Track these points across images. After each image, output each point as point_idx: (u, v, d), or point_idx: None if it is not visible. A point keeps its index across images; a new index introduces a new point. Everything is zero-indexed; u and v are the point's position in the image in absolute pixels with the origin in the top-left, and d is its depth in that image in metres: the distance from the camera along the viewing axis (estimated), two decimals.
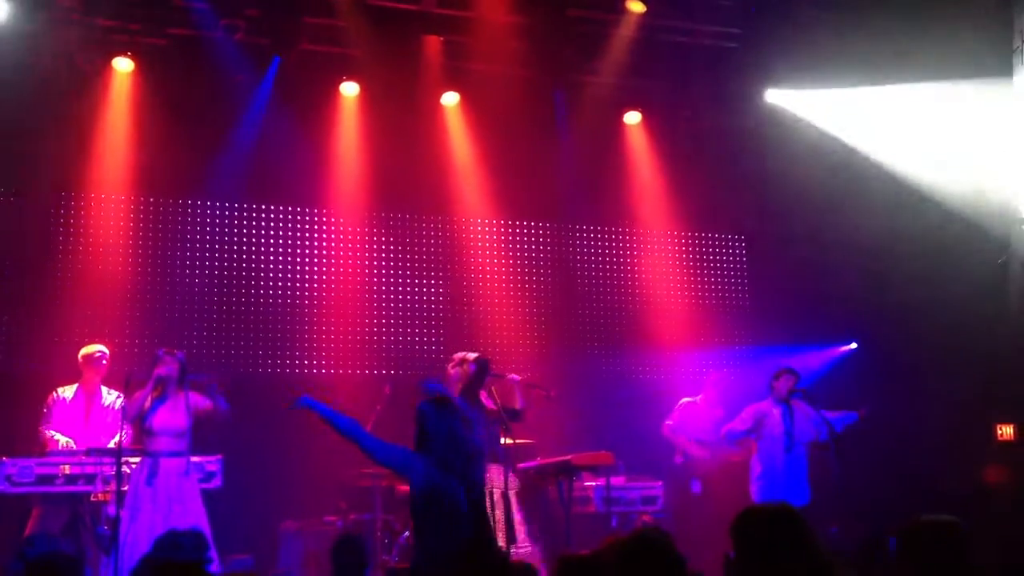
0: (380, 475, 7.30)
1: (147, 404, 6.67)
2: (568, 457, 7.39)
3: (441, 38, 9.16)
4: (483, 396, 6.92)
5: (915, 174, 9.84)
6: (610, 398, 9.57)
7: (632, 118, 10.22)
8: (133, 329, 8.55)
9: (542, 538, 7.19)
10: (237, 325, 9.05)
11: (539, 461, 7.66)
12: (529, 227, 10.27)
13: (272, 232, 9.33)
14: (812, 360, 9.82)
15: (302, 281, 9.34)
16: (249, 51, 8.73)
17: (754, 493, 8.06)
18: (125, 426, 6.56)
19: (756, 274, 10.76)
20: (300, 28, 8.78)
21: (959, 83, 9.34)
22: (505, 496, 6.66)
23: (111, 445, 7.00)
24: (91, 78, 8.48)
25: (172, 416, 6.71)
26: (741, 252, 10.96)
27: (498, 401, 6.96)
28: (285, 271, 9.30)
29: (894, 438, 9.32)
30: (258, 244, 9.26)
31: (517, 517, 6.81)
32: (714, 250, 10.91)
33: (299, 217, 9.44)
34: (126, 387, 6.77)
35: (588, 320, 10.31)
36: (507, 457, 6.85)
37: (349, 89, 9.32)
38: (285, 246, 9.34)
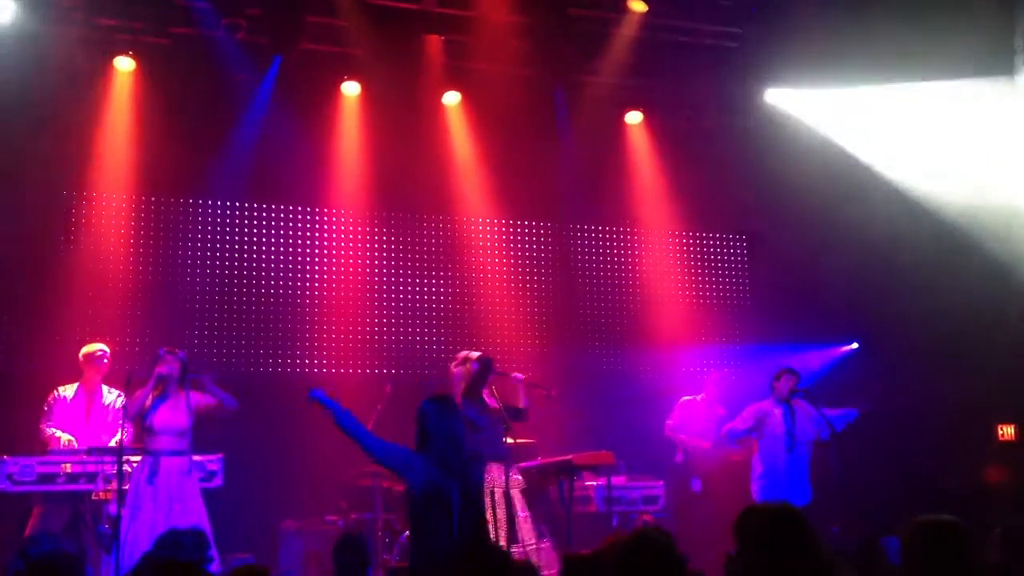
0: (381, 475, 7.30)
1: (148, 402, 6.68)
2: (569, 457, 7.39)
3: (442, 37, 9.16)
4: (485, 395, 6.92)
5: (916, 173, 9.84)
6: (611, 397, 9.57)
7: (633, 118, 10.22)
8: (134, 328, 8.55)
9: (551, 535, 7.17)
10: (238, 324, 9.04)
11: (540, 460, 7.65)
12: (530, 226, 10.27)
13: (273, 231, 9.33)
14: (813, 360, 9.82)
15: (303, 280, 9.33)
16: (250, 50, 8.72)
17: (755, 492, 8.06)
18: (126, 424, 6.56)
19: (757, 273, 10.76)
20: (301, 27, 8.78)
21: (960, 82, 9.34)
22: (507, 495, 6.66)
23: (112, 444, 7.01)
24: (92, 78, 8.48)
25: (173, 415, 6.72)
26: (742, 251, 10.96)
27: (499, 400, 6.97)
28: (286, 270, 9.29)
29: (895, 437, 9.32)
30: (259, 243, 9.26)
31: (522, 515, 6.79)
32: (715, 249, 10.91)
33: (300, 216, 9.44)
34: (127, 386, 6.78)
35: (589, 319, 10.31)
36: (510, 456, 6.85)
37: (350, 88, 9.31)
38: (286, 245, 9.34)
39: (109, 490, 6.65)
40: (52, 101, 8.26)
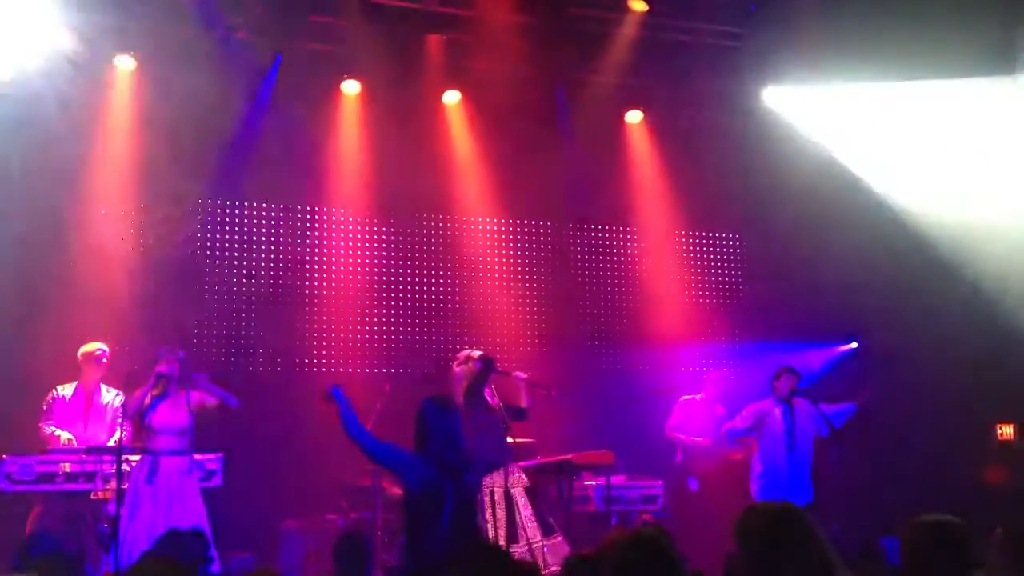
0: (381, 474, 7.30)
1: (147, 401, 6.68)
2: (568, 456, 7.39)
3: (443, 37, 9.16)
4: (487, 394, 6.92)
5: (916, 173, 9.84)
6: (611, 397, 9.57)
7: (633, 117, 10.22)
8: (133, 328, 8.53)
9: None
10: (237, 323, 9.04)
11: (539, 460, 7.65)
12: (530, 226, 10.27)
13: (272, 230, 9.33)
14: (812, 359, 9.83)
15: (302, 279, 9.33)
16: (251, 49, 8.71)
17: (755, 492, 8.05)
18: (125, 424, 6.55)
19: (757, 273, 10.75)
20: (302, 26, 8.77)
21: (961, 81, 9.34)
22: (507, 494, 6.65)
23: (111, 443, 7.01)
24: (94, 75, 8.46)
25: (173, 414, 6.72)
26: (742, 251, 10.96)
27: (499, 400, 6.97)
28: (286, 270, 9.29)
29: (895, 437, 9.32)
30: (258, 242, 9.26)
31: (525, 514, 6.76)
32: (715, 249, 10.92)
33: (299, 215, 9.44)
34: (125, 385, 6.78)
35: (588, 318, 10.31)
36: (511, 455, 6.85)
37: (350, 87, 9.32)
38: (285, 244, 9.34)
39: (108, 489, 6.65)
40: (51, 101, 8.24)
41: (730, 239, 10.96)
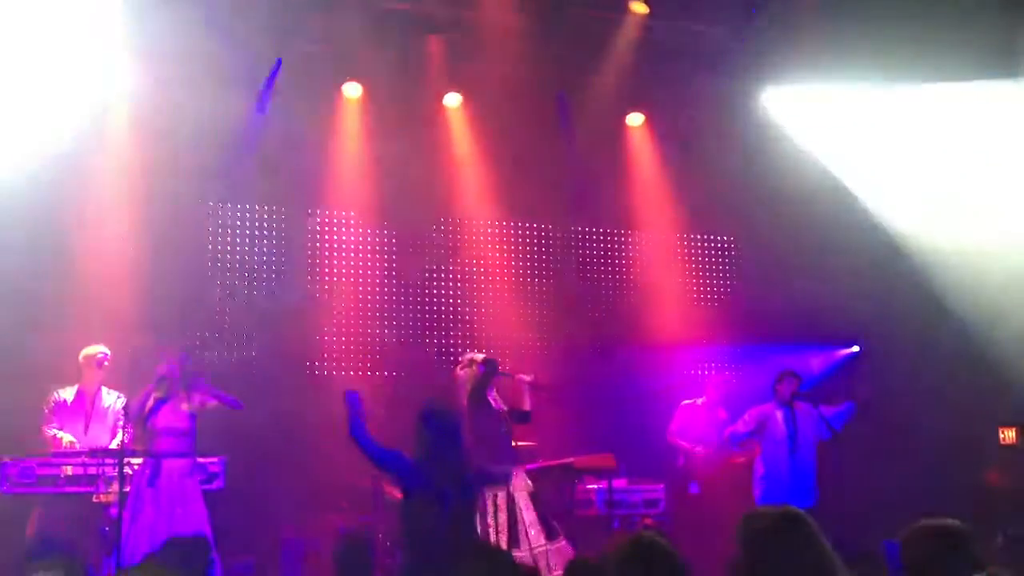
0: (382, 477, 7.29)
1: (149, 404, 6.68)
2: (570, 460, 7.40)
3: (444, 38, 9.16)
4: (490, 397, 6.92)
5: (917, 173, 9.83)
6: (612, 400, 9.55)
7: (634, 120, 10.22)
8: (133, 330, 8.52)
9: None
10: (238, 326, 9.04)
11: (541, 463, 7.65)
12: (531, 228, 10.26)
13: (273, 233, 9.33)
14: (814, 363, 9.82)
15: (303, 282, 9.33)
16: (251, 51, 8.71)
17: (757, 495, 8.04)
18: (127, 426, 6.55)
19: (758, 275, 10.73)
20: (302, 28, 8.77)
21: (963, 84, 9.33)
22: (510, 499, 6.64)
23: (112, 446, 7.00)
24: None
25: (174, 416, 6.73)
26: (743, 253, 10.95)
27: (503, 402, 6.96)
28: (287, 272, 9.29)
29: (896, 441, 9.30)
30: (259, 244, 9.26)
31: (528, 518, 6.73)
32: (717, 251, 10.91)
33: (301, 218, 9.43)
34: (126, 388, 6.78)
35: (590, 321, 10.30)
36: (516, 458, 6.84)
37: (351, 90, 9.32)
38: (286, 247, 9.34)
39: (111, 493, 6.65)
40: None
41: (732, 241, 10.95)
